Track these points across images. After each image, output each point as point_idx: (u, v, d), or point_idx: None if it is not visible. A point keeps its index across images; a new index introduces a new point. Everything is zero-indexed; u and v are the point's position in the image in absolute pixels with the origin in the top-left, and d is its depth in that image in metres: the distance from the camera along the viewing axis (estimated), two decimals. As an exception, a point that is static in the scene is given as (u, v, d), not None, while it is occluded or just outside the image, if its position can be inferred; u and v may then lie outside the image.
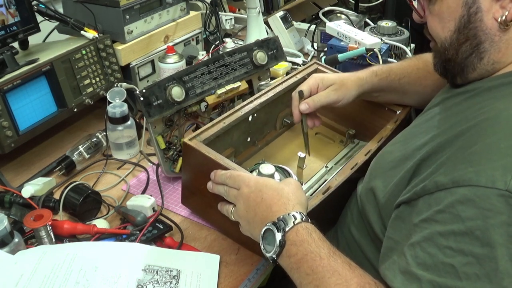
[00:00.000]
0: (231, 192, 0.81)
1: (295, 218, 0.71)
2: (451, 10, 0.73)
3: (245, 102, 1.04)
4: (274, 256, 0.71)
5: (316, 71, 1.20)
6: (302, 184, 0.95)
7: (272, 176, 0.93)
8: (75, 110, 1.21)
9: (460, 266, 0.57)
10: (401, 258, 0.64)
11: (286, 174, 0.98)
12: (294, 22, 1.71)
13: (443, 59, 0.78)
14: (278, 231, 0.70)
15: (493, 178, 0.58)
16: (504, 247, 0.56)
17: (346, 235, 0.91)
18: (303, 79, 1.17)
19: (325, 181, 1.00)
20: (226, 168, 0.86)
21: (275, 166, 0.93)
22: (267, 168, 0.92)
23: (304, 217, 0.72)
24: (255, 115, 1.06)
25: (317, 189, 0.97)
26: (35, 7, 1.20)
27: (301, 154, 1.09)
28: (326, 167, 1.07)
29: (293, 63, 1.55)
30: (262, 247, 0.73)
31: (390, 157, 0.79)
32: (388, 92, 1.04)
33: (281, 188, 0.76)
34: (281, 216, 0.71)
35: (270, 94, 1.08)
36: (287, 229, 0.70)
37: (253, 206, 0.76)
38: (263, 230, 0.73)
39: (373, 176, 0.82)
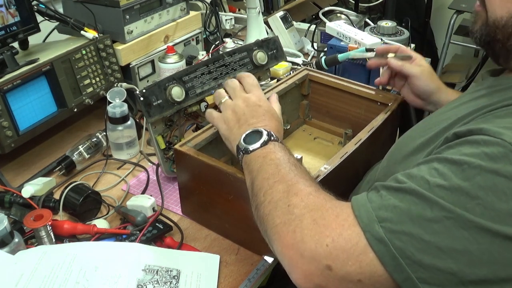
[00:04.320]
0: (238, 88, 0.89)
1: (279, 140, 0.80)
2: None
3: None
4: (251, 148, 0.77)
5: (306, 77, 1.21)
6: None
7: None
8: (75, 110, 1.21)
9: (434, 185, 0.59)
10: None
11: None
12: (294, 22, 1.71)
13: (489, 35, 0.73)
14: (266, 134, 0.78)
15: (502, 131, 0.59)
16: (482, 191, 0.56)
17: None
18: (294, 84, 1.18)
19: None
20: (219, 171, 0.87)
21: None
22: None
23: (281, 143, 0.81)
24: None
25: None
26: (35, 7, 1.19)
27: (298, 155, 1.09)
28: (325, 168, 1.07)
29: (293, 63, 1.55)
30: (242, 141, 0.79)
31: (411, 142, 0.78)
32: None
33: (279, 120, 0.87)
34: (271, 132, 0.79)
35: None
36: (272, 138, 0.78)
37: (252, 113, 0.84)
38: (250, 130, 0.80)
39: (393, 162, 0.81)
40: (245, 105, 0.85)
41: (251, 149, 0.77)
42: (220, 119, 0.88)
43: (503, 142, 0.58)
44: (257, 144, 0.77)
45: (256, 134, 0.79)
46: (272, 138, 0.78)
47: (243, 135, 0.80)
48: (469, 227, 0.56)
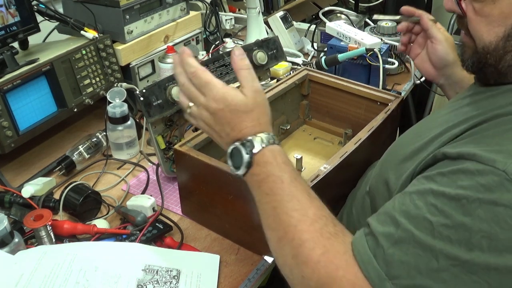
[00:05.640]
0: (194, 94, 0.75)
1: (262, 141, 0.71)
2: (504, 16, 0.67)
3: None
4: (241, 174, 0.72)
5: (306, 77, 1.21)
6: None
7: None
8: (75, 110, 1.21)
9: (438, 225, 0.59)
10: (390, 202, 0.67)
11: None
12: (294, 22, 1.71)
13: (481, 62, 0.73)
14: (246, 153, 0.71)
15: (495, 158, 0.59)
16: (485, 223, 0.57)
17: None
18: (294, 84, 1.18)
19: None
20: (219, 171, 0.87)
21: None
22: None
23: (272, 139, 0.72)
24: None
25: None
26: (35, 7, 1.19)
27: (297, 155, 1.09)
28: (325, 167, 1.07)
29: (293, 63, 1.55)
30: (229, 163, 0.73)
31: (403, 149, 0.78)
32: (455, 89, 1.04)
33: (251, 109, 0.74)
34: (249, 137, 0.71)
35: None
36: (254, 151, 0.70)
37: (221, 121, 0.74)
38: (230, 148, 0.73)
39: (385, 168, 0.81)
40: (209, 114, 0.75)
41: (240, 174, 0.72)
42: (202, 127, 0.79)
43: (497, 171, 0.58)
44: (242, 170, 0.71)
45: (237, 154, 0.72)
46: (254, 151, 0.71)
47: (228, 157, 0.74)
48: (476, 270, 0.57)
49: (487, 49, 0.70)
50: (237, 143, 0.72)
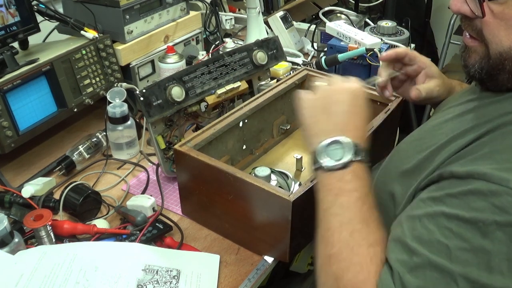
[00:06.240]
0: (339, 78, 0.79)
1: (363, 158, 0.70)
2: None
3: (235, 109, 1.05)
4: (328, 166, 0.69)
5: (306, 77, 1.21)
6: (300, 184, 0.95)
7: (268, 177, 0.94)
8: (75, 110, 1.21)
9: (455, 249, 0.58)
10: (397, 228, 0.65)
11: (283, 176, 0.99)
12: (294, 22, 1.72)
13: (495, 68, 0.68)
14: (352, 154, 0.69)
15: (508, 177, 0.57)
16: (504, 245, 0.56)
17: None
18: (294, 84, 1.18)
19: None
20: (219, 171, 0.87)
21: (271, 169, 0.94)
22: (262, 170, 0.93)
23: (367, 163, 0.71)
24: (246, 121, 1.07)
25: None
26: (35, 7, 1.19)
27: (297, 155, 1.09)
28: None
29: (293, 63, 1.55)
30: (319, 151, 0.70)
31: (406, 158, 0.76)
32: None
33: (366, 122, 0.77)
34: (360, 144, 0.70)
35: (260, 100, 1.10)
36: (357, 159, 0.69)
37: (351, 106, 0.74)
38: (333, 139, 0.70)
39: (389, 179, 0.79)
40: (344, 91, 0.75)
41: (326, 168, 0.69)
42: (307, 101, 0.77)
43: (510, 191, 0.56)
44: (337, 164, 0.69)
45: (339, 147, 0.70)
46: (356, 157, 0.69)
47: (324, 143, 0.71)
48: None
49: (505, 55, 0.67)
50: (345, 138, 0.70)
